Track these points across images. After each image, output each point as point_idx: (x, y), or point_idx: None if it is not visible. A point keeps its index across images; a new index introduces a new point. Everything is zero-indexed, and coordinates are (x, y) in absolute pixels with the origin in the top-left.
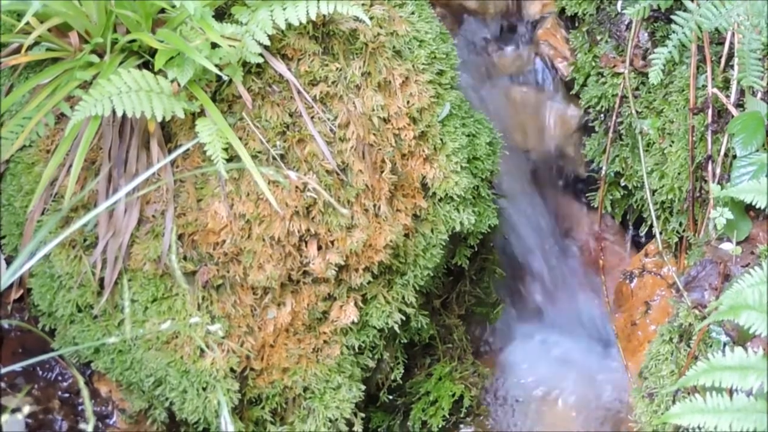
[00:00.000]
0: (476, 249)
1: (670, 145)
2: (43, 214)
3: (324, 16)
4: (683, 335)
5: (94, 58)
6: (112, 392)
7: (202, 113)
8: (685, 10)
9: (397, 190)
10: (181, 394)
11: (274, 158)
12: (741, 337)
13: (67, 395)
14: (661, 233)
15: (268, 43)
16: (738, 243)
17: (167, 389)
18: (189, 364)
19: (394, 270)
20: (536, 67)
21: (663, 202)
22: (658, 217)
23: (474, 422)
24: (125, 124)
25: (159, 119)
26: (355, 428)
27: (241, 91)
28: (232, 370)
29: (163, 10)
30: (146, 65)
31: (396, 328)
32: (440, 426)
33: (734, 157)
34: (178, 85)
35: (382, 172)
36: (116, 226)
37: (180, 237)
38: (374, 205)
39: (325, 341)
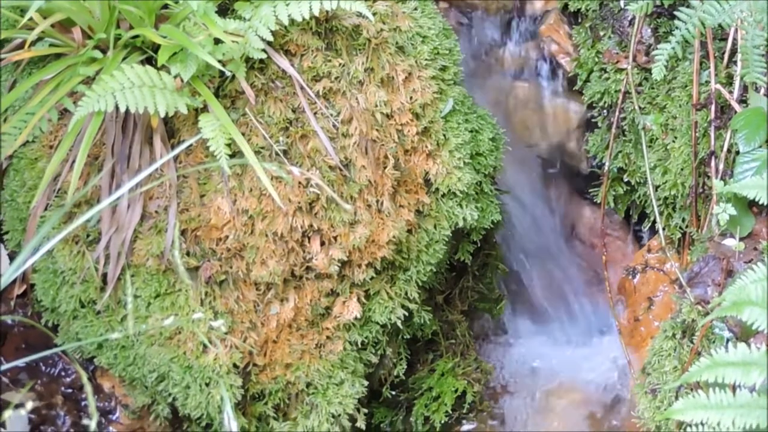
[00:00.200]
0: (479, 245)
1: (673, 141)
2: (46, 209)
3: (327, 11)
4: (686, 331)
5: (97, 54)
6: (115, 388)
7: (205, 109)
8: (689, 6)
9: (399, 186)
10: (184, 389)
11: (277, 154)
12: (744, 333)
13: (70, 391)
14: (664, 229)
15: (271, 38)
16: (741, 239)
17: (170, 385)
18: (192, 360)
19: (396, 266)
20: (539, 63)
21: (666, 198)
22: (661, 213)
23: (477, 418)
24: (128, 120)
25: (162, 115)
26: (357, 424)
27: (244, 87)
28: (234, 365)
29: (166, 6)
30: (149, 61)
31: (399, 323)
32: (443, 421)
33: (737, 152)
34: (181, 80)
35: (385, 167)
36: (119, 222)
37: (183, 233)
38: (377, 201)
39: (328, 337)
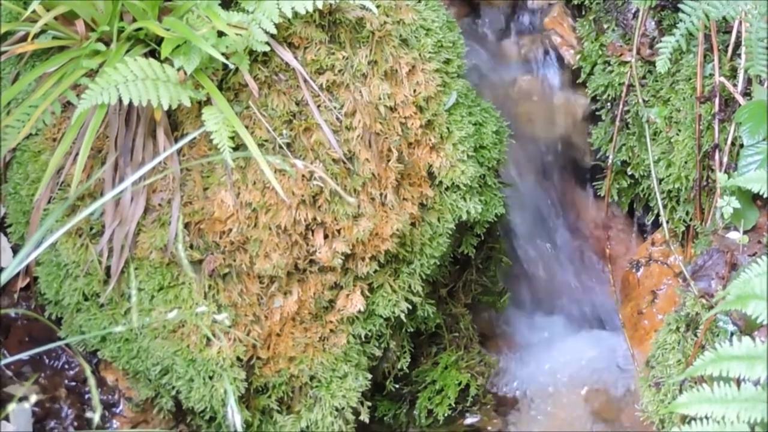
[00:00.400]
0: (482, 238)
1: (677, 134)
2: (49, 202)
3: (330, 4)
4: (690, 324)
5: (101, 47)
6: (119, 381)
7: (208, 102)
8: None
9: (403, 179)
10: (188, 382)
11: (280, 147)
12: (748, 327)
13: (73, 384)
14: (667, 222)
15: (274, 31)
16: (745, 232)
17: (174, 378)
18: (195, 353)
19: (400, 259)
20: (543, 56)
21: (670, 191)
22: (664, 206)
23: (480, 411)
24: (132, 113)
25: (165, 108)
26: (361, 417)
27: (247, 80)
28: (238, 359)
29: None
30: (153, 54)
31: (402, 317)
32: (446, 415)
33: (741, 146)
34: (185, 73)
35: (388, 160)
36: (123, 215)
37: (186, 226)
38: (381, 194)
39: (331, 330)
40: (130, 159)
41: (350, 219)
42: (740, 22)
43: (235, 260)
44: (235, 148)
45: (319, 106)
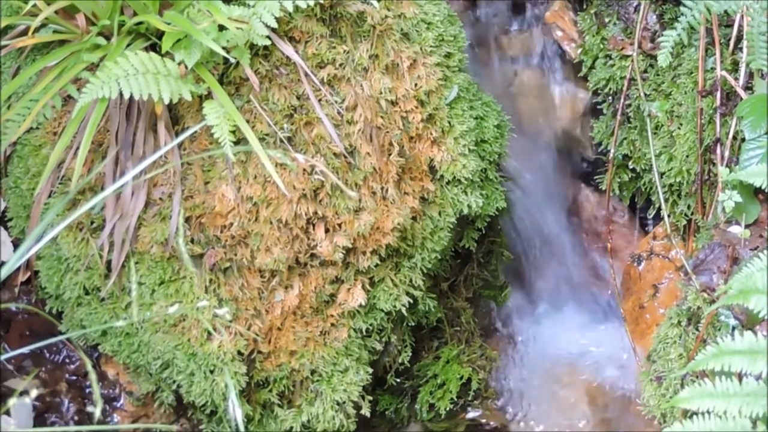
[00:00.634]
0: (484, 232)
1: (679, 128)
2: (50, 196)
3: None
4: (692, 319)
5: (101, 41)
6: (120, 375)
7: (209, 96)
8: None
9: (404, 173)
10: (189, 377)
11: (281, 141)
12: (750, 321)
13: (74, 378)
14: (669, 216)
15: (275, 25)
16: (746, 226)
17: (174, 372)
18: (196, 347)
19: (401, 253)
20: (544, 50)
21: (671, 185)
22: (666, 200)
23: (482, 405)
24: (132, 107)
25: (166, 102)
26: (362, 411)
27: (248, 74)
28: (239, 353)
29: None
30: (153, 48)
31: (403, 310)
32: (448, 409)
33: (743, 140)
34: (186, 67)
35: (389, 154)
36: (123, 209)
37: (187, 220)
38: (382, 188)
39: (332, 324)
40: (130, 153)
41: (351, 213)
42: (742, 16)
43: (236, 254)
44: (236, 142)
45: (320, 100)
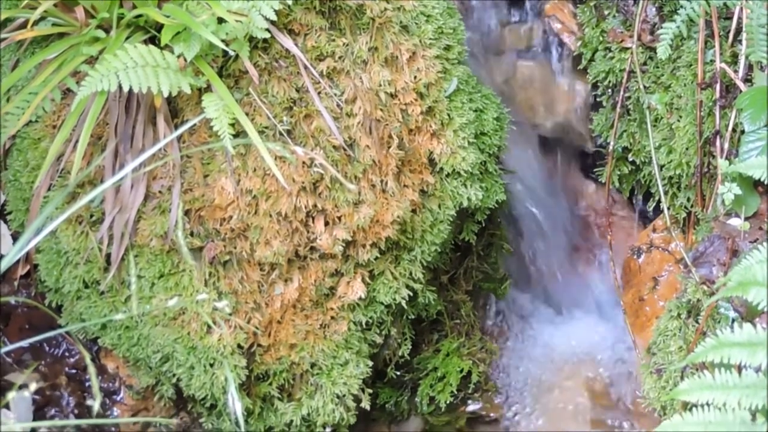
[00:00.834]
0: (483, 224)
1: (678, 120)
2: (49, 189)
3: None
4: (691, 311)
5: (101, 33)
6: (119, 368)
7: (208, 88)
8: None
9: (404, 166)
10: (189, 370)
11: (280, 134)
12: (749, 313)
13: (74, 371)
14: (669, 208)
15: (274, 18)
16: (746, 218)
17: (174, 365)
18: (196, 341)
19: (401, 246)
20: (544, 42)
21: (671, 178)
22: (666, 193)
23: (482, 398)
24: (131, 100)
25: (165, 94)
26: (362, 404)
27: (247, 67)
28: (239, 346)
29: None
30: (152, 40)
31: (403, 303)
32: (448, 402)
33: (742, 132)
34: (185, 60)
35: (389, 147)
36: (123, 202)
37: (187, 213)
38: (381, 181)
39: (332, 317)
40: (130, 146)
41: (351, 206)
42: (741, 8)
43: (235, 247)
44: (236, 135)
45: (319, 93)
